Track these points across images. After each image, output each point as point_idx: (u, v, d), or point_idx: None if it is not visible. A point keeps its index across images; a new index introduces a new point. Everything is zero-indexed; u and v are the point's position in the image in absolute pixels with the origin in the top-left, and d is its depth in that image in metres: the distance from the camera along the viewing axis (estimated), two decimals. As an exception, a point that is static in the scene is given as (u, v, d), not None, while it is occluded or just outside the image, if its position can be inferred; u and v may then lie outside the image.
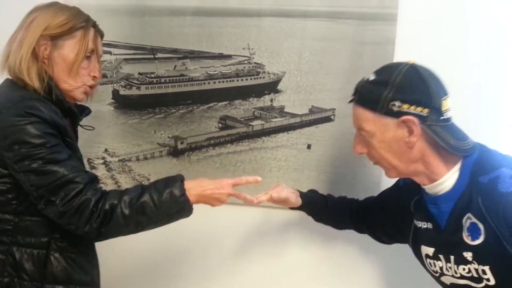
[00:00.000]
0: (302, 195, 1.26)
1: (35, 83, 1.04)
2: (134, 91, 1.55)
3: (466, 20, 1.33)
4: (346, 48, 1.40)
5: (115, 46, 1.54)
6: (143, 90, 1.55)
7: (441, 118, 0.94)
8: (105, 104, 1.57)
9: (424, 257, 1.05)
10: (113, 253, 1.48)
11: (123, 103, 1.56)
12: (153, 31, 1.51)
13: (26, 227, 1.03)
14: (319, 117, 1.45)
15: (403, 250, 1.20)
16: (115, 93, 1.57)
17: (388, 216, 1.17)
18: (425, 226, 1.03)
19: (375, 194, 1.40)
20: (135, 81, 1.55)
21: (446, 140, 0.93)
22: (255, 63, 1.47)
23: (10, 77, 1.08)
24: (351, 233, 1.35)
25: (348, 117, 1.41)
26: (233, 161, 1.50)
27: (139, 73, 1.54)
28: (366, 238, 1.32)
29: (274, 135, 1.48)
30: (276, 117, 1.48)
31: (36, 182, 0.97)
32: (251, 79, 1.49)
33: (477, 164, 0.94)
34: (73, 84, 1.09)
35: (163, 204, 1.03)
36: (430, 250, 1.02)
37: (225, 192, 1.10)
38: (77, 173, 1.00)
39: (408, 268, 1.44)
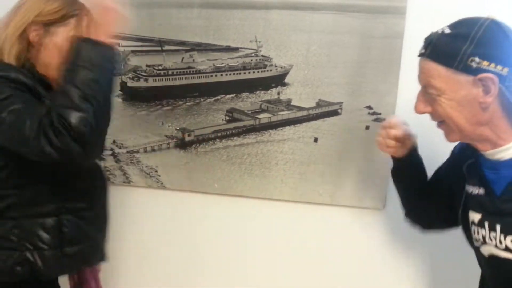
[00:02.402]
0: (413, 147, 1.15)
1: (11, 61, 1.05)
2: (142, 83, 1.56)
3: (476, 13, 1.31)
4: (354, 41, 1.39)
5: (123, 38, 1.54)
6: (151, 82, 1.55)
7: None
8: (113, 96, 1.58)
9: (471, 223, 1.00)
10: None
11: (131, 95, 1.57)
12: (161, 23, 1.51)
13: (31, 198, 1.05)
14: (326, 111, 1.45)
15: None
16: (123, 85, 1.57)
17: (447, 184, 1.10)
18: (476, 192, 0.97)
19: (383, 188, 1.41)
20: (143, 73, 1.56)
21: None
22: (262, 56, 1.46)
23: None
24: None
25: (355, 111, 1.42)
26: (239, 154, 1.51)
27: (147, 65, 1.55)
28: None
29: (280, 128, 1.48)
30: (283, 110, 1.48)
31: (11, 129, 0.95)
32: (258, 72, 1.48)
33: None
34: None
35: (98, 70, 0.96)
36: (477, 216, 0.97)
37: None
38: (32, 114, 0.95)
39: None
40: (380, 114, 1.40)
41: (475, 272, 1.07)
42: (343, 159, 1.45)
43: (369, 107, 1.41)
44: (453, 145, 1.09)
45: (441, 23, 1.04)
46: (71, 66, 0.98)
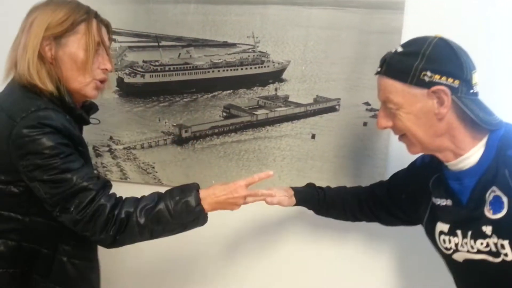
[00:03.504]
0: (296, 193, 1.26)
1: (48, 86, 1.01)
2: (138, 79, 1.55)
3: (475, 8, 1.31)
4: (352, 37, 1.38)
5: (120, 34, 1.54)
6: (148, 78, 1.55)
7: (471, 91, 0.94)
8: (109, 92, 1.57)
9: (438, 234, 1.04)
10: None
11: (127, 91, 1.57)
12: (158, 18, 1.50)
13: (36, 229, 1.04)
14: (323, 107, 1.44)
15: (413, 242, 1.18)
16: (120, 81, 1.57)
17: (405, 196, 1.16)
18: (444, 203, 1.02)
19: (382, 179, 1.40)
20: (139, 69, 1.55)
21: (475, 113, 0.92)
22: (259, 51, 1.46)
23: (16, 81, 1.03)
24: (358, 226, 1.35)
25: (353, 107, 1.41)
26: (237, 150, 1.50)
27: (144, 61, 1.54)
28: (373, 232, 1.31)
29: (278, 124, 1.48)
30: (280, 107, 1.47)
31: (50, 191, 0.97)
32: (255, 67, 1.47)
33: (504, 138, 0.94)
34: (83, 81, 1.05)
35: (179, 214, 1.03)
36: (445, 227, 1.01)
37: (240, 196, 1.10)
38: (90, 180, 0.99)
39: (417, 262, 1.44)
40: (377, 110, 1.39)
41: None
42: (341, 156, 1.44)
43: (367, 103, 1.40)
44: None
45: (438, 18, 1.04)
46: (167, 213, 1.02)
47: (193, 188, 1.07)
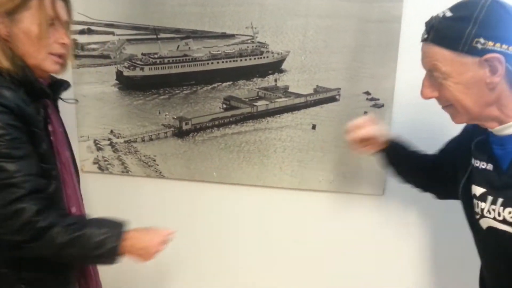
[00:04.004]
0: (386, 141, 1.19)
1: (3, 63, 1.00)
2: (137, 72, 1.55)
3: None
4: (351, 26, 1.37)
5: (118, 27, 1.53)
6: (147, 71, 1.54)
7: None
8: (109, 86, 1.57)
9: (472, 196, 1.00)
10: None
11: (127, 84, 1.56)
12: (155, 10, 1.49)
13: None
14: (324, 97, 1.43)
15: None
16: (119, 74, 1.56)
17: (454, 158, 1.10)
18: (483, 167, 0.98)
19: (382, 174, 1.40)
20: (138, 62, 1.54)
21: None
22: (258, 42, 1.45)
23: None
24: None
25: (353, 97, 1.41)
26: (237, 142, 1.50)
27: (142, 54, 1.53)
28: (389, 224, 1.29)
29: (278, 115, 1.47)
30: (280, 97, 1.46)
31: None
32: (254, 58, 1.46)
33: None
34: (39, 56, 1.03)
35: (96, 246, 1.00)
36: (480, 190, 0.97)
37: (153, 252, 1.09)
38: (26, 177, 0.96)
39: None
40: (378, 99, 1.39)
41: (476, 255, 1.07)
42: (342, 146, 1.44)
43: (367, 93, 1.40)
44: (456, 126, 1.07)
45: (438, 6, 1.02)
46: (87, 241, 1.00)
47: (121, 227, 1.05)
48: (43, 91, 1.07)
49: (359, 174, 1.44)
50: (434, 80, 0.93)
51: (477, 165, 0.99)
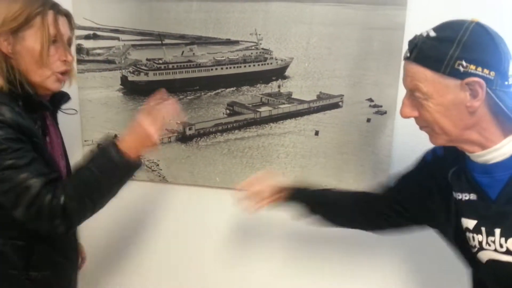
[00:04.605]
0: (289, 187, 1.22)
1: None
2: (142, 77, 1.56)
3: (477, 3, 1.30)
4: (355, 33, 1.38)
5: (123, 32, 1.54)
6: (151, 76, 1.55)
7: (505, 83, 0.87)
8: (114, 90, 1.58)
9: (465, 230, 0.97)
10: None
11: (131, 89, 1.57)
12: (160, 16, 1.51)
13: (8, 218, 1.02)
14: (327, 104, 1.44)
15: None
16: (124, 79, 1.57)
17: (420, 194, 1.08)
18: (466, 198, 0.95)
19: (383, 181, 1.40)
20: (143, 67, 1.56)
21: (510, 106, 0.85)
22: (262, 48, 1.46)
23: None
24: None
25: (356, 104, 1.41)
26: (240, 147, 1.51)
27: (147, 59, 1.55)
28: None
29: (281, 121, 1.48)
30: (283, 104, 1.47)
31: None
32: (258, 65, 1.48)
33: None
34: (43, 74, 1.05)
35: (106, 173, 1.02)
36: (471, 223, 0.94)
37: (151, 130, 1.06)
38: (36, 178, 0.98)
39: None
40: (381, 106, 1.40)
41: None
42: (345, 152, 1.44)
43: (370, 100, 1.40)
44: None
45: (442, 14, 1.04)
46: (94, 178, 1.01)
47: (110, 143, 1.05)
48: (42, 105, 1.08)
49: (361, 180, 1.44)
50: (414, 100, 0.92)
51: (459, 197, 0.97)
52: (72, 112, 1.23)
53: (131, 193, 1.60)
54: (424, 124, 0.95)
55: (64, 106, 1.21)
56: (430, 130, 0.95)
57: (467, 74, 0.85)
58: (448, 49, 0.85)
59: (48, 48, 1.03)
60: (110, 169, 1.02)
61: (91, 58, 1.60)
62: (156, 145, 1.08)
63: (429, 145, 1.30)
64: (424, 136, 1.33)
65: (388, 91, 1.39)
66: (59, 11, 1.07)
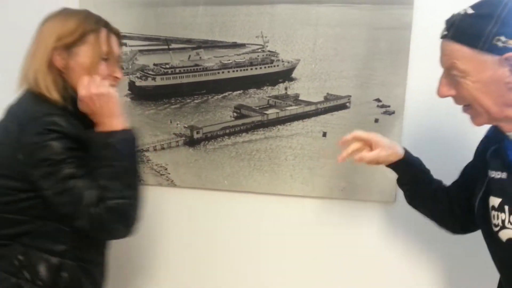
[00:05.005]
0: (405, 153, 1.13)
1: (53, 94, 1.04)
2: (149, 82, 1.57)
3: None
4: (361, 33, 1.37)
5: (130, 38, 1.55)
6: (159, 81, 1.56)
7: None
8: (121, 96, 1.59)
9: (491, 209, 0.97)
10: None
11: (139, 94, 1.58)
12: (167, 21, 1.52)
13: (48, 233, 1.05)
14: (334, 105, 1.44)
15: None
16: (131, 84, 1.58)
17: (470, 186, 1.06)
18: (498, 176, 0.95)
19: (393, 181, 1.39)
20: (150, 72, 1.57)
21: None
22: (269, 51, 1.46)
23: (27, 89, 1.08)
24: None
25: (364, 105, 1.41)
26: (248, 150, 1.51)
27: (154, 64, 1.55)
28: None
29: (289, 123, 1.48)
30: (290, 106, 1.47)
31: (57, 200, 1.00)
32: (265, 67, 1.48)
33: None
34: None
35: (122, 157, 1.03)
36: (497, 201, 0.94)
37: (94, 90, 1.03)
38: (91, 190, 1.00)
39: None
40: (389, 106, 1.39)
41: (493, 267, 1.05)
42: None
43: (378, 100, 1.40)
44: (472, 134, 1.06)
45: (449, 12, 1.03)
46: (105, 163, 1.02)
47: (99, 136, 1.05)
48: (87, 121, 1.08)
49: (371, 181, 1.43)
50: (451, 79, 0.92)
51: (493, 175, 0.96)
52: None
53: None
54: (463, 102, 0.94)
55: None
56: (471, 111, 0.93)
57: (506, 49, 0.84)
58: (486, 25, 0.85)
59: (97, 65, 1.06)
60: (115, 153, 1.03)
61: (99, 64, 1.62)
62: (110, 96, 1.05)
63: (439, 145, 1.29)
64: (432, 136, 1.32)
65: (396, 91, 1.38)
66: (111, 29, 1.11)
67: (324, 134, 1.45)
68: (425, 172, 1.17)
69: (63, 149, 0.99)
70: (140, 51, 1.56)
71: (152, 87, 1.57)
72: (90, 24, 1.07)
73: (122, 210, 1.02)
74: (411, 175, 1.16)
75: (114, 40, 1.11)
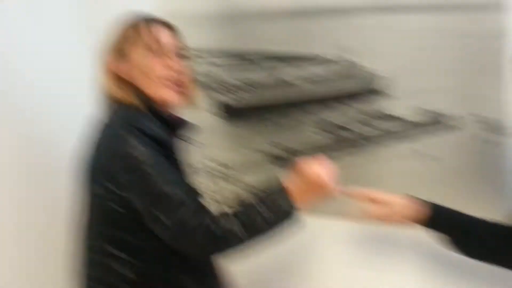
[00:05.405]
0: (432, 208, 1.05)
1: (133, 100, 1.03)
2: (235, 100, 1.52)
3: None
4: (460, 44, 1.15)
5: (211, 54, 1.51)
6: (243, 98, 1.51)
7: None
8: (207, 113, 1.58)
9: None
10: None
11: (227, 113, 1.55)
12: (246, 35, 1.44)
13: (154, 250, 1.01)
14: (432, 122, 1.23)
15: None
16: (219, 103, 1.55)
17: None
18: None
19: (508, 204, 1.16)
20: (235, 89, 1.52)
21: None
22: (353, 63, 1.30)
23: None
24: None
25: (473, 124, 1.19)
26: (343, 173, 1.36)
27: (239, 80, 1.50)
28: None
29: (385, 144, 1.31)
30: (385, 124, 1.30)
31: (145, 202, 0.95)
32: (349, 81, 1.33)
33: None
34: (154, 87, 1.04)
35: (276, 223, 0.97)
36: None
37: (325, 181, 1.00)
38: (187, 195, 0.96)
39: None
40: (502, 125, 1.15)
41: None
42: (466, 178, 1.22)
43: (487, 118, 1.17)
44: None
45: None
46: (266, 225, 0.97)
47: (281, 190, 0.99)
48: (171, 122, 1.07)
49: (491, 209, 1.21)
50: None
51: None
52: (197, 143, 1.24)
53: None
54: None
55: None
56: None
57: None
58: None
59: (148, 59, 1.03)
60: (276, 218, 0.98)
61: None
62: (331, 194, 1.02)
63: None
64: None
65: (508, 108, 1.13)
66: (155, 22, 1.07)
67: (430, 157, 1.25)
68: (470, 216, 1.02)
69: (152, 154, 0.96)
70: (220, 66, 1.52)
71: (238, 104, 1.52)
72: (132, 24, 1.05)
73: (226, 241, 0.95)
74: (454, 223, 1.03)
75: (162, 32, 1.06)
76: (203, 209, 0.97)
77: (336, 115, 1.36)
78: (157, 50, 1.04)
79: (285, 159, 1.46)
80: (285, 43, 1.38)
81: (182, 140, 1.12)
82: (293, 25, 1.36)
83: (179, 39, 1.11)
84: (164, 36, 1.06)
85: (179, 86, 1.06)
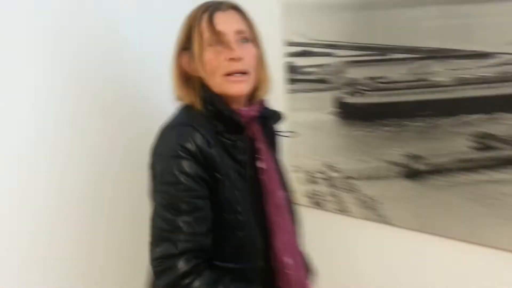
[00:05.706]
0: None
1: (192, 99, 0.97)
2: (359, 99, 1.35)
3: None
4: None
5: (338, 47, 1.37)
6: (371, 98, 1.33)
7: None
8: (325, 113, 1.42)
9: None
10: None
11: (346, 112, 1.38)
12: (383, 26, 1.27)
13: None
14: None
15: None
16: (338, 101, 1.40)
17: None
18: None
19: None
20: (361, 87, 1.35)
21: None
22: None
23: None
24: None
25: None
26: (493, 193, 1.14)
27: (366, 78, 1.33)
28: None
29: None
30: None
31: (152, 220, 0.92)
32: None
33: None
34: (216, 80, 0.95)
35: None
36: None
37: None
38: (182, 235, 0.88)
39: None
40: None
41: None
42: None
43: None
44: None
45: None
46: None
47: None
48: (238, 126, 0.97)
49: None
50: None
51: None
52: (287, 134, 1.12)
53: (342, 228, 1.44)
54: None
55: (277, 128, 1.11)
56: None
57: None
58: None
59: (202, 51, 0.95)
60: None
61: (300, 77, 1.48)
62: None
63: None
64: None
65: None
66: (216, 9, 0.96)
67: None
68: None
69: (179, 172, 0.90)
70: (350, 62, 1.36)
71: (363, 104, 1.35)
72: (192, 16, 0.97)
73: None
74: None
75: (221, 18, 0.95)
76: (185, 256, 0.88)
77: (499, 127, 1.12)
78: (216, 41, 0.95)
79: (421, 172, 1.26)
80: (434, 36, 1.19)
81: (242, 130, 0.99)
82: (448, 13, 1.16)
83: (246, 21, 0.99)
84: (224, 23, 0.95)
85: (244, 74, 0.96)
